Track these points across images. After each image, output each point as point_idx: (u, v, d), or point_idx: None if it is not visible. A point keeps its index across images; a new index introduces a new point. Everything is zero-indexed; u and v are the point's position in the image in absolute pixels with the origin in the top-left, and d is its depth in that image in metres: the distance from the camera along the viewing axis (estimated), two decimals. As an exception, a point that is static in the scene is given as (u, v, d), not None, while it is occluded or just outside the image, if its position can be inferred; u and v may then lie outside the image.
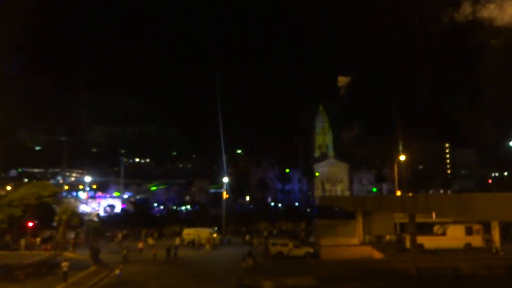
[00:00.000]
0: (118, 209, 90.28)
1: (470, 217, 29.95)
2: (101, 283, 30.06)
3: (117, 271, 30.73)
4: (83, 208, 62.74)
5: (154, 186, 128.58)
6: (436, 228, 44.26)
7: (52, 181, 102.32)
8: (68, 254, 41.24)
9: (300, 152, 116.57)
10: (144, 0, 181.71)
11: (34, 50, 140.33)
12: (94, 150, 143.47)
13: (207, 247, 45.95)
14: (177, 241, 48.19)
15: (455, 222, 42.41)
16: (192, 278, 31.25)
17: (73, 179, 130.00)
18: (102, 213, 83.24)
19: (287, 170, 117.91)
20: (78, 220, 48.73)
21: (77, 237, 51.42)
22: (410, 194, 43.20)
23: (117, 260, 37.75)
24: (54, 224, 50.06)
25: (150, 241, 46.98)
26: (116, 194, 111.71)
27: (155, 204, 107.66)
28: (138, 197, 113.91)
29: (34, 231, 50.74)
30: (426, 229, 43.75)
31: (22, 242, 45.64)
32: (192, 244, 47.52)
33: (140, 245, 45.11)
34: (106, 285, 29.67)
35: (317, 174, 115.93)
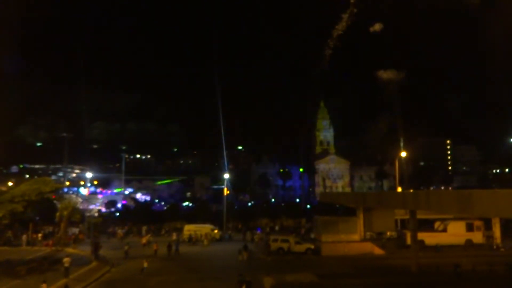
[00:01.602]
0: (119, 205, 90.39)
1: (470, 213, 29.90)
2: (102, 278, 30.15)
3: (145, 265, 31.10)
4: (84, 204, 62.93)
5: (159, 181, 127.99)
6: (437, 224, 44.28)
7: (53, 177, 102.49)
8: (69, 250, 41.39)
9: (301, 149, 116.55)
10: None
11: (35, 46, 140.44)
12: (95, 146, 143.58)
13: (205, 242, 46.72)
14: (173, 236, 48.56)
15: (456, 219, 42.41)
16: (193, 274, 31.34)
17: (74, 175, 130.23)
18: (103, 209, 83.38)
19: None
20: (79, 216, 48.84)
21: (78, 233, 51.59)
22: (411, 191, 43.19)
23: (118, 256, 37.95)
24: (56, 220, 50.19)
25: (148, 237, 47.28)
26: (117, 190, 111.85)
27: (156, 200, 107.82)
28: (139, 193, 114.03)
29: (36, 227, 50.93)
30: (427, 225, 43.80)
31: (24, 237, 45.82)
32: (189, 239, 47.77)
33: (143, 240, 45.58)
34: (108, 280, 29.73)
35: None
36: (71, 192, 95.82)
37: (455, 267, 28.77)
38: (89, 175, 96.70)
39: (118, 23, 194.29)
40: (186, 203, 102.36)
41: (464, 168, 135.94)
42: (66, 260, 29.69)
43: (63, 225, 46.06)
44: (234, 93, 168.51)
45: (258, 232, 52.85)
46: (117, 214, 73.94)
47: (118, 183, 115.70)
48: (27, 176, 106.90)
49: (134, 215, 66.63)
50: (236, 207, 75.77)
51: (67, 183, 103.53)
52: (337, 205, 59.53)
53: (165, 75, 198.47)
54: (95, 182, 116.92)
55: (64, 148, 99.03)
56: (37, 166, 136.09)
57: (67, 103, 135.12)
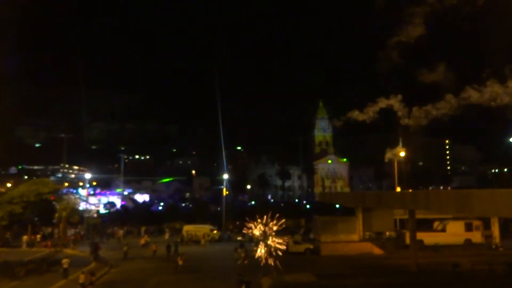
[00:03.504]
0: (118, 205, 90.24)
1: (469, 213, 29.98)
2: (102, 279, 30.08)
3: (180, 262, 31.42)
4: (83, 205, 62.81)
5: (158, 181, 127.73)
6: (436, 224, 44.31)
7: (52, 178, 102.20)
8: (68, 251, 41.33)
9: (300, 149, 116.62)
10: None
11: (34, 47, 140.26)
12: (94, 147, 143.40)
13: (203, 242, 46.99)
14: (166, 236, 49.54)
15: (455, 218, 42.45)
16: (192, 274, 31.28)
17: (73, 176, 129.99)
18: (102, 210, 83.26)
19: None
20: (78, 217, 48.83)
21: (77, 234, 51.54)
22: (410, 191, 43.20)
23: (117, 256, 37.91)
24: (54, 221, 50.15)
25: (146, 238, 47.33)
26: (116, 191, 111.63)
27: (155, 201, 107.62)
28: (138, 194, 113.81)
29: (35, 228, 50.86)
30: (426, 225, 43.83)
31: (24, 238, 45.70)
32: (181, 239, 47.71)
33: (142, 241, 45.63)
34: (107, 281, 29.67)
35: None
36: (70, 193, 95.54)
37: (454, 266, 28.79)
38: (88, 176, 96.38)
39: (117, 24, 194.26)
40: (185, 203, 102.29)
41: (463, 167, 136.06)
42: (65, 261, 29.64)
43: (62, 226, 46.02)
44: (233, 93, 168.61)
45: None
46: (116, 214, 73.84)
47: (117, 183, 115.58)
48: (26, 177, 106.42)
49: (133, 215, 66.55)
50: (235, 207, 75.73)
51: (66, 184, 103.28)
52: (336, 205, 59.53)
53: (164, 75, 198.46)
54: (94, 183, 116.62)
55: (63, 149, 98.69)
56: (35, 167, 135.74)
57: (66, 104, 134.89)
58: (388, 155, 50.53)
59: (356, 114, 43.98)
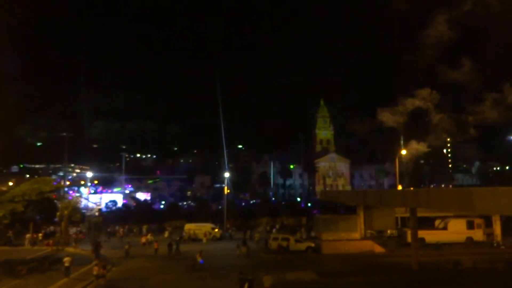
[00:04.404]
0: (119, 204, 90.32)
1: (471, 211, 29.93)
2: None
3: (199, 259, 31.70)
4: (84, 203, 62.95)
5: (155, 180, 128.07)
6: (437, 222, 44.30)
7: (53, 177, 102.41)
8: (70, 249, 41.41)
9: (301, 147, 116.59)
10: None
11: (35, 45, 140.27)
12: (95, 145, 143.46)
13: (204, 241, 47.21)
14: (166, 234, 50.00)
15: (456, 216, 42.44)
16: (194, 273, 31.30)
17: (74, 174, 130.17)
18: (103, 209, 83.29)
19: (291, 166, 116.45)
20: (79, 216, 48.87)
21: (79, 233, 51.58)
22: (411, 189, 43.18)
23: (119, 255, 37.96)
24: (56, 219, 50.21)
25: (149, 237, 47.37)
26: (117, 189, 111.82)
27: (157, 199, 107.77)
28: (139, 192, 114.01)
29: (36, 227, 50.94)
30: (427, 223, 43.81)
31: (28, 237, 45.79)
32: (180, 238, 47.88)
33: (143, 239, 45.67)
34: (108, 279, 29.68)
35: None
36: (71, 191, 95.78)
37: (455, 264, 28.82)
38: (89, 174, 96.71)
39: (118, 23, 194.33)
40: (187, 202, 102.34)
41: (464, 166, 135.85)
42: (67, 259, 29.68)
43: (63, 225, 46.09)
44: (235, 92, 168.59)
45: (274, 230, 53.43)
46: (118, 213, 73.81)
47: (119, 182, 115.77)
48: (28, 175, 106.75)
49: (134, 214, 66.56)
50: (236, 206, 75.79)
51: (68, 183, 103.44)
52: (338, 204, 59.54)
53: (165, 74, 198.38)
54: (96, 182, 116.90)
55: (64, 147, 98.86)
56: (37, 166, 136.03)
57: (67, 103, 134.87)
58: (406, 150, 49.92)
59: (382, 115, 43.42)
